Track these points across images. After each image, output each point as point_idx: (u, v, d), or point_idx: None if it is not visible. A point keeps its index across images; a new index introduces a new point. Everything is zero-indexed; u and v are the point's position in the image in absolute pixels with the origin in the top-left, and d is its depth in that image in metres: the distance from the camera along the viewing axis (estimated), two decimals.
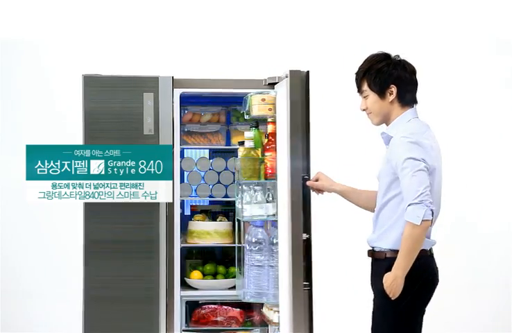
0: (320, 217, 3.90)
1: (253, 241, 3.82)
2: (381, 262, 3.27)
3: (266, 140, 3.86)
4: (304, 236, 3.64)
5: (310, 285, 3.67)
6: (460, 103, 5.55)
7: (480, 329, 5.35)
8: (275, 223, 3.85)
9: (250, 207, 3.77)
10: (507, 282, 5.46)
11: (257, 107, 3.81)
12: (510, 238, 5.49)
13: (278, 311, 3.76)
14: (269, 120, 3.83)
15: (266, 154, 3.82)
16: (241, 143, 3.90)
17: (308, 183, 3.66)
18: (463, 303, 5.27)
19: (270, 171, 3.79)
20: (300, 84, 3.68)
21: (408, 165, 3.13)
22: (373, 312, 3.32)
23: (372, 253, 3.35)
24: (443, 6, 5.55)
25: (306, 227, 3.65)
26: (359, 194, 3.59)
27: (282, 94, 3.73)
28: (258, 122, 3.90)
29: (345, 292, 4.89)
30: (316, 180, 3.68)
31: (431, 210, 3.09)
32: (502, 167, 5.57)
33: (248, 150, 3.82)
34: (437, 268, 3.30)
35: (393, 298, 3.16)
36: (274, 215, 3.80)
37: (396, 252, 3.18)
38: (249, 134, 3.83)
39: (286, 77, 3.69)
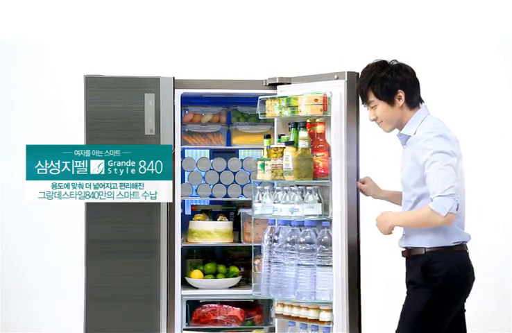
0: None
1: (301, 241, 3.80)
2: (418, 258, 3.25)
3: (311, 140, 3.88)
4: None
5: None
6: (461, 105, 5.54)
7: (480, 329, 5.35)
8: (316, 223, 3.86)
9: (301, 207, 3.78)
10: (507, 281, 5.46)
11: (309, 108, 3.80)
12: (509, 237, 5.50)
13: (327, 310, 3.80)
14: (318, 120, 3.84)
15: (318, 154, 3.83)
16: (289, 143, 3.84)
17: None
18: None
19: (322, 171, 3.82)
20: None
21: (438, 159, 3.16)
22: (407, 304, 3.30)
23: (408, 252, 3.34)
24: (448, 7, 5.55)
25: (357, 226, 3.82)
26: (401, 197, 3.59)
27: (338, 94, 3.81)
28: (306, 122, 3.87)
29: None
30: (363, 183, 3.79)
31: (457, 205, 3.13)
32: (503, 167, 5.57)
33: (304, 150, 3.78)
34: (472, 266, 3.30)
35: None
36: (321, 215, 3.84)
37: (434, 248, 3.22)
38: (303, 134, 3.79)
39: (337, 78, 3.81)
